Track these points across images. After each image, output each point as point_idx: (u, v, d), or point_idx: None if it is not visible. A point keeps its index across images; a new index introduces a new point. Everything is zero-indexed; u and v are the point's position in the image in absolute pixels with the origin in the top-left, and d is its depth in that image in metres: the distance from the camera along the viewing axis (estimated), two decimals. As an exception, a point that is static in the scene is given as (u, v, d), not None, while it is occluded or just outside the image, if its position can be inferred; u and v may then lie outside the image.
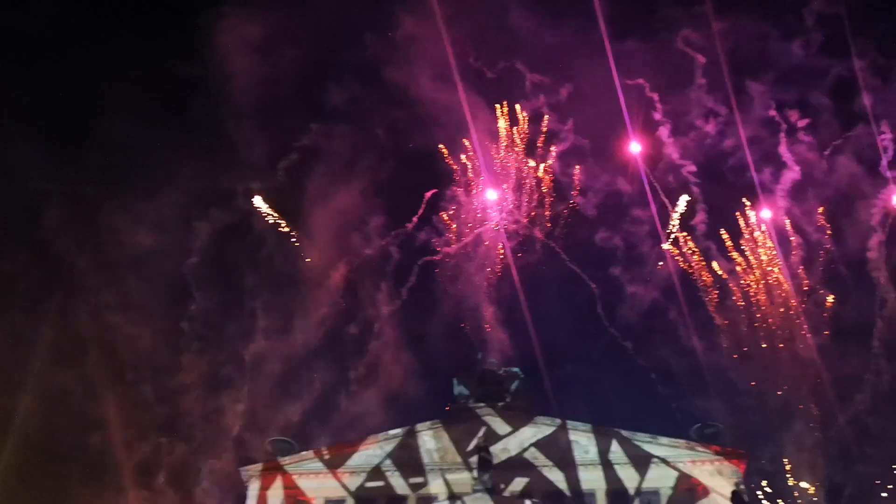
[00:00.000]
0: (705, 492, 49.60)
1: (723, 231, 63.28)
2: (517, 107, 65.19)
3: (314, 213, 66.76)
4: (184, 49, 69.06)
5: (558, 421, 51.94)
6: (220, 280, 65.00)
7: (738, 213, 63.77)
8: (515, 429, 51.83)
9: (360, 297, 64.56)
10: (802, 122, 66.00)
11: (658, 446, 50.72)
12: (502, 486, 49.86)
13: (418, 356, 60.89)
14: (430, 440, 52.05)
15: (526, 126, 65.10)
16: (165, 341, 62.52)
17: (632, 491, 49.83)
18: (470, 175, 65.90)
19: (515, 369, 54.34)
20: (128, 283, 63.88)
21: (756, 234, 63.61)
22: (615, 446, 50.90)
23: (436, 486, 50.72)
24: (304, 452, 52.79)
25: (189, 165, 65.73)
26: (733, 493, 48.07)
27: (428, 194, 65.20)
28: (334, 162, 67.90)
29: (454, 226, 65.26)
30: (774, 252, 62.36)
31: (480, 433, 51.73)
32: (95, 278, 63.65)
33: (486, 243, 64.61)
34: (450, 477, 50.92)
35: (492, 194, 64.58)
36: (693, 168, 65.13)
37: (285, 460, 52.18)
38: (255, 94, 67.51)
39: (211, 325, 63.28)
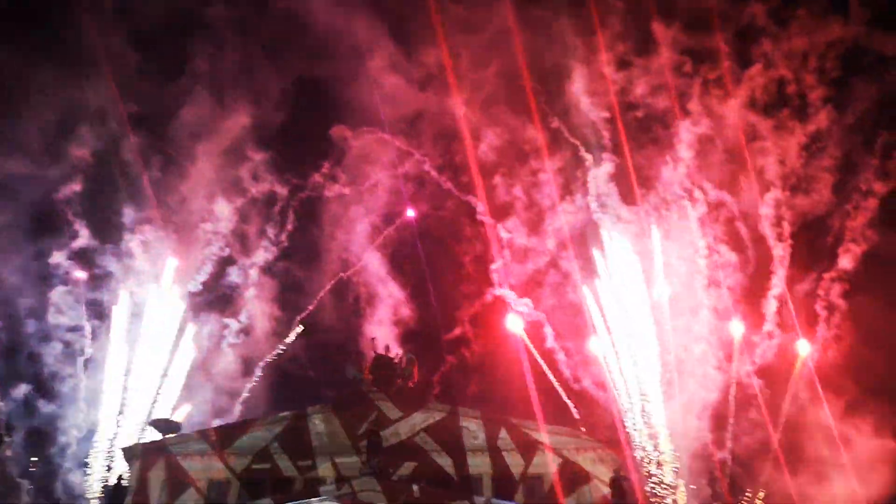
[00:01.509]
0: (587, 478, 51.24)
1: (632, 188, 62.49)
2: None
3: (196, 142, 61.65)
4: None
5: (449, 406, 51.87)
6: (88, 213, 60.03)
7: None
8: (407, 414, 51.47)
9: (241, 241, 61.27)
10: (711, 73, 64.56)
11: (544, 434, 51.52)
12: (391, 470, 50.01)
13: (298, 313, 58.91)
14: (320, 423, 51.13)
15: (440, 67, 60.71)
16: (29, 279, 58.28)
17: (517, 476, 50.86)
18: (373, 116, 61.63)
19: (410, 355, 53.33)
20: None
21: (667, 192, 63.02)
22: (503, 433, 51.45)
23: (324, 470, 50.25)
24: (188, 433, 51.18)
25: (52, 82, 58.73)
26: (612, 479, 50.02)
27: (330, 131, 60.88)
28: (219, 86, 62.14)
29: (350, 168, 61.61)
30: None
31: (372, 417, 51.20)
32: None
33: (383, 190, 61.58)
34: (338, 460, 50.47)
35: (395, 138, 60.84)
36: (607, 116, 63.11)
37: (169, 440, 50.42)
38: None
39: (84, 261, 59.09)
